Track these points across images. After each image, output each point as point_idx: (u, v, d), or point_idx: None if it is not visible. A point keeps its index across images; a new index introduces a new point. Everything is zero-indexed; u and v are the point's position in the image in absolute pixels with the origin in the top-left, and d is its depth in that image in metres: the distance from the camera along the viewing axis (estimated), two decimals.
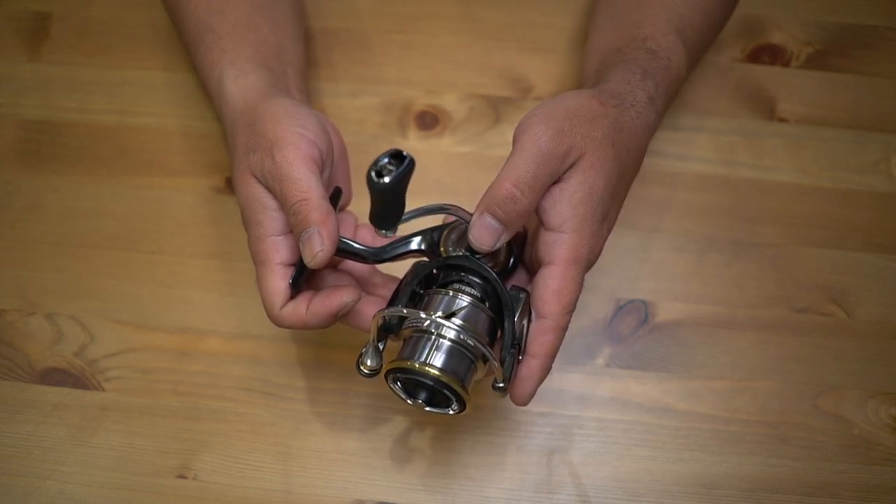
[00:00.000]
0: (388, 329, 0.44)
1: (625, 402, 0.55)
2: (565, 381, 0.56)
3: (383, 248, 0.46)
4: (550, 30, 0.66)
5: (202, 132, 0.63)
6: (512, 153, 0.42)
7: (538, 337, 0.43)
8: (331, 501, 0.53)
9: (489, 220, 0.42)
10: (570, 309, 0.43)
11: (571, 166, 0.43)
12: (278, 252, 0.45)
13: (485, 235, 0.42)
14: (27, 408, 0.56)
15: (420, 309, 0.44)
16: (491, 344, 0.44)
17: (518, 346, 0.43)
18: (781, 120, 0.64)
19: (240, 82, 0.50)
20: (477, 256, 0.44)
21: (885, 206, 0.61)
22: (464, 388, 0.42)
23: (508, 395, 0.44)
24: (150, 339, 0.57)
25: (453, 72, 0.65)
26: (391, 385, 0.44)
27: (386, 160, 0.37)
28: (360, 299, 0.45)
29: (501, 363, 0.43)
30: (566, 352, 0.56)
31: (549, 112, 0.43)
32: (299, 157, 0.44)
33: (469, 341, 0.42)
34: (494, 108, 0.63)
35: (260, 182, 0.45)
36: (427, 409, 0.44)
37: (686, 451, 0.54)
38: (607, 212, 0.45)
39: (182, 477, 0.54)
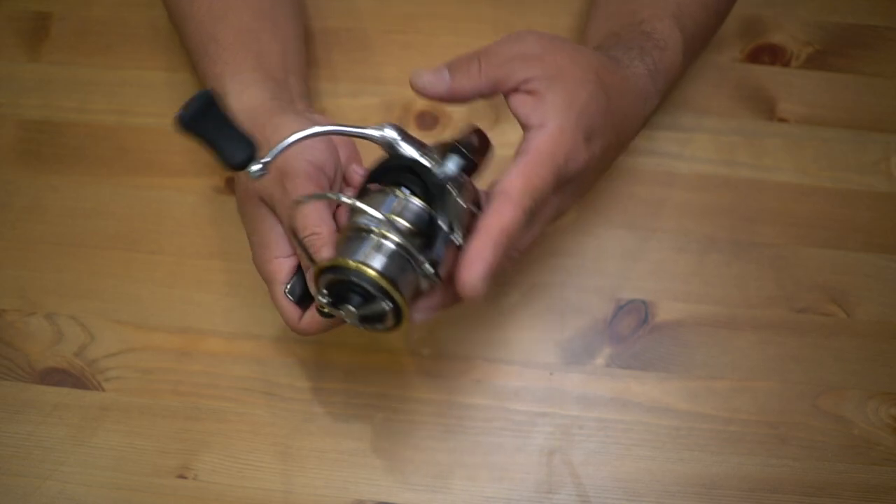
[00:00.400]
0: None
1: (625, 402, 0.55)
2: (565, 381, 0.56)
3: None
4: (550, 30, 0.65)
5: None
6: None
7: (494, 210, 0.38)
8: (331, 501, 0.53)
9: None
10: (535, 196, 0.39)
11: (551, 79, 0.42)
12: (288, 272, 0.47)
13: None
14: (27, 408, 0.56)
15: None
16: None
17: (458, 232, 0.40)
18: (781, 120, 0.64)
19: (243, 98, 0.50)
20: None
21: (885, 206, 0.61)
22: (402, 296, 0.39)
23: (457, 291, 0.38)
24: (150, 339, 0.57)
25: None
26: (318, 291, 0.41)
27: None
28: None
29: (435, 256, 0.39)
30: (566, 351, 0.56)
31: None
32: (309, 188, 0.44)
33: (410, 248, 0.39)
34: (494, 108, 0.63)
35: (266, 205, 0.46)
36: (359, 323, 0.41)
37: (686, 451, 0.54)
38: (592, 131, 0.42)
39: (182, 477, 0.54)
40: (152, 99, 0.64)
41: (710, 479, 0.54)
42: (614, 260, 0.59)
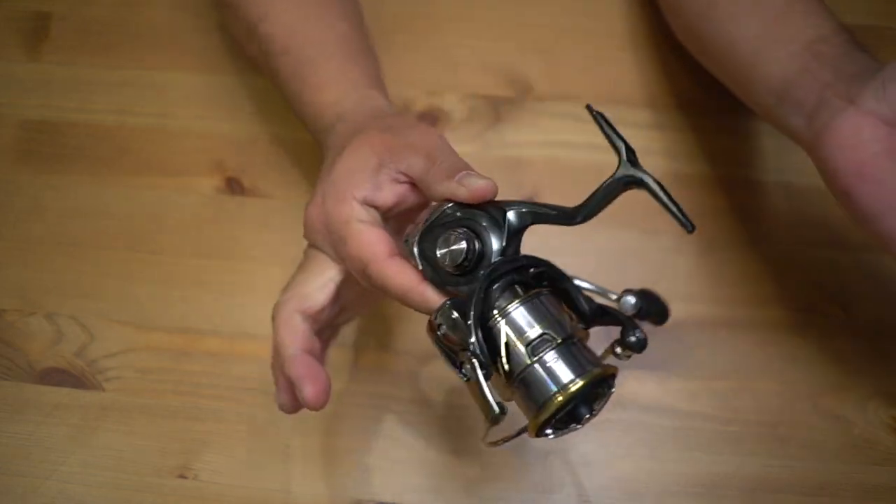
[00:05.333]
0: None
1: (625, 402, 0.55)
2: None
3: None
4: (550, 30, 0.66)
5: (202, 132, 0.63)
6: None
7: None
8: (331, 501, 0.53)
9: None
10: None
11: None
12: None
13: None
14: (27, 408, 0.56)
15: (483, 335, 0.37)
16: (573, 308, 0.40)
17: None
18: None
19: (364, 105, 0.49)
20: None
21: None
22: (600, 367, 0.37)
23: None
24: (150, 339, 0.57)
25: (453, 72, 0.65)
26: (549, 436, 0.39)
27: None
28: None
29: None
30: None
31: None
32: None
33: (559, 337, 0.37)
34: (494, 108, 0.63)
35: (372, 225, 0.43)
36: (595, 412, 0.39)
37: (686, 451, 0.54)
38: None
39: (182, 477, 0.54)
40: (152, 99, 0.64)
41: (710, 479, 0.54)
42: (614, 260, 0.59)
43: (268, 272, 0.58)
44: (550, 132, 0.63)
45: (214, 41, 0.66)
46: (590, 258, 0.59)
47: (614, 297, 0.44)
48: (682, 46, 0.60)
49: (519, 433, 0.40)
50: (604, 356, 0.40)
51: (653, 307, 0.44)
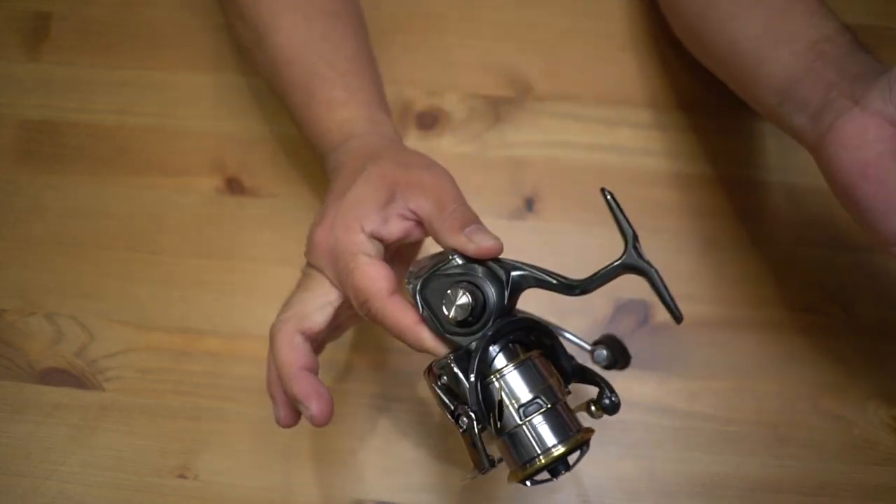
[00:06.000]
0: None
1: (625, 402, 0.55)
2: None
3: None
4: (550, 30, 0.66)
5: (202, 132, 0.63)
6: None
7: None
8: (331, 501, 0.53)
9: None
10: None
11: None
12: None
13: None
14: (27, 408, 0.56)
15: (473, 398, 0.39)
16: (561, 372, 0.42)
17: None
18: None
19: (376, 129, 0.49)
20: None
21: None
22: (581, 432, 0.40)
23: None
24: (150, 339, 0.57)
25: (453, 72, 0.65)
26: (526, 484, 0.41)
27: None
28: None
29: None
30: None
31: None
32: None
33: (548, 403, 0.40)
34: (494, 108, 0.63)
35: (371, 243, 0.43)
36: (571, 467, 0.41)
37: (686, 451, 0.54)
38: None
39: (182, 477, 0.54)
40: (152, 99, 0.64)
41: (710, 479, 0.54)
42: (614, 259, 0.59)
43: (268, 272, 0.58)
44: (550, 132, 0.63)
45: (215, 41, 0.66)
46: (590, 258, 0.59)
47: (587, 348, 0.48)
48: (683, 46, 0.60)
49: (489, 470, 0.41)
50: (577, 410, 0.42)
51: (619, 356, 0.48)
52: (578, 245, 0.59)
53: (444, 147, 0.62)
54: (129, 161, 0.63)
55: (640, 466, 0.54)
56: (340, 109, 0.50)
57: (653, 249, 0.60)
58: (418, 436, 0.55)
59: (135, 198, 0.61)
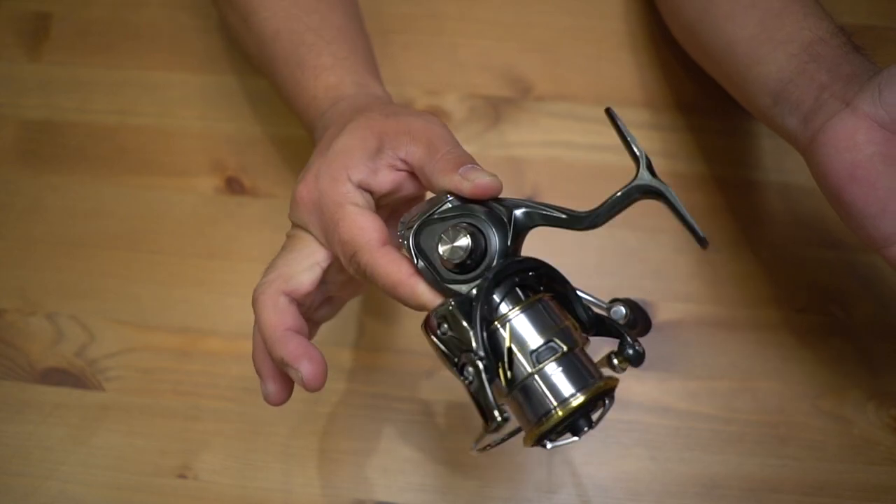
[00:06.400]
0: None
1: (625, 402, 0.55)
2: None
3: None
4: (550, 30, 0.66)
5: (202, 132, 0.63)
6: None
7: None
8: (331, 501, 0.53)
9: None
10: None
11: None
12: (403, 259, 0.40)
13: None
14: (27, 408, 0.56)
15: (482, 339, 0.35)
16: (575, 316, 0.38)
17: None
18: None
19: (364, 91, 0.48)
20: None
21: None
22: (603, 379, 0.36)
23: None
24: (150, 339, 0.57)
25: (453, 72, 0.65)
26: (546, 446, 0.38)
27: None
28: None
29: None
30: None
31: None
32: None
33: (562, 347, 0.36)
34: (494, 108, 0.63)
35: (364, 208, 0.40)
36: (594, 424, 0.38)
37: (686, 451, 0.54)
38: None
39: (182, 477, 0.54)
40: (152, 99, 0.64)
41: (710, 479, 0.54)
42: (614, 260, 0.59)
43: None
44: (550, 132, 0.63)
45: (214, 41, 0.66)
46: (590, 258, 0.59)
47: (604, 305, 0.42)
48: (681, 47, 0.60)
49: (509, 437, 0.38)
50: (599, 366, 0.39)
51: (639, 318, 0.43)
52: (578, 245, 0.59)
53: None
54: (128, 161, 0.63)
55: (640, 466, 0.54)
56: (327, 75, 0.48)
57: (653, 249, 0.60)
58: (418, 436, 0.55)
59: (135, 198, 0.61)
